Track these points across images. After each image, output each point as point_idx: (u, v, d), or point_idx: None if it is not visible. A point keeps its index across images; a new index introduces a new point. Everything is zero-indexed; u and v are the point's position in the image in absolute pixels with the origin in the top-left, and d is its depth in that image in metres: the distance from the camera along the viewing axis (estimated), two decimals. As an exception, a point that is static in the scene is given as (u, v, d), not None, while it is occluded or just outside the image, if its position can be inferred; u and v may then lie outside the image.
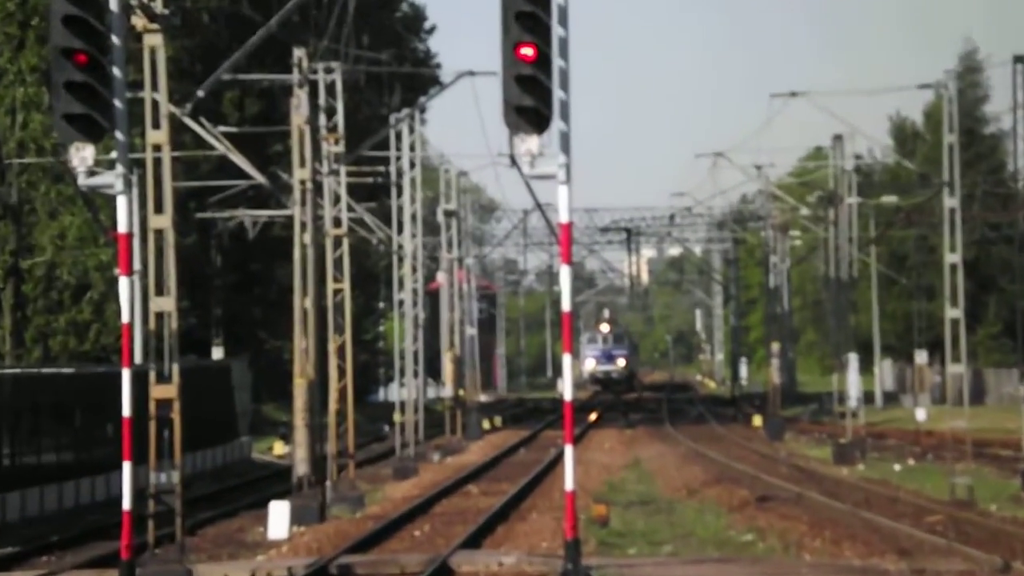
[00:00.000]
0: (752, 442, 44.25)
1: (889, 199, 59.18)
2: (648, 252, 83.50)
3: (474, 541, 20.76)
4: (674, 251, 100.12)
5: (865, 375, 54.91)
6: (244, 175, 29.82)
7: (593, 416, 58.08)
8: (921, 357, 61.53)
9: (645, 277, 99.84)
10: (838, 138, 40.24)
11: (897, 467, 34.08)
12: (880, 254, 66.64)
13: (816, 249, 61.66)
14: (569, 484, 15.44)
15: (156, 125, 17.79)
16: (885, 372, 67.56)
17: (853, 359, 39.92)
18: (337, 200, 30.57)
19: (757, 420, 51.95)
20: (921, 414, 45.63)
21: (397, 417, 38.37)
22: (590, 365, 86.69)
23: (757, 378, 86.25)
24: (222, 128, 28.75)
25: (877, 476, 31.46)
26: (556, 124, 15.18)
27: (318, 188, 26.19)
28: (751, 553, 19.75)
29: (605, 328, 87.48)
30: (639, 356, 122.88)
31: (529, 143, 15.07)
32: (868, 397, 54.13)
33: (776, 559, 18.89)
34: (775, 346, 50.86)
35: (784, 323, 60.53)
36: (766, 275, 58.57)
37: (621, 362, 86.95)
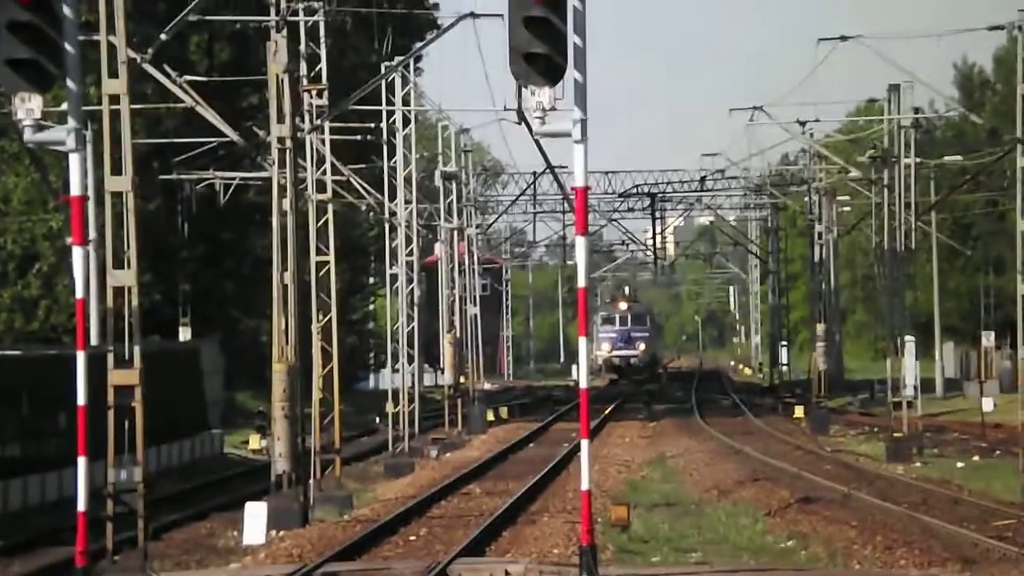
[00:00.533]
0: (793, 436, 44.34)
1: (953, 158, 59.03)
2: (675, 220, 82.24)
3: (476, 547, 20.84)
4: (704, 219, 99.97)
5: (924, 360, 54.85)
6: (214, 131, 29.76)
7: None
8: (988, 339, 61.50)
9: (671, 249, 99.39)
10: (894, 88, 40.09)
11: (960, 464, 34.13)
12: (942, 222, 66.60)
13: (868, 216, 61.54)
14: (585, 483, 15.47)
15: (113, 73, 17.77)
16: (947, 357, 67.57)
17: (910, 342, 39.91)
18: (321, 161, 30.57)
19: (799, 411, 52.03)
20: (988, 404, 45.63)
21: (389, 407, 38.47)
22: (605, 350, 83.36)
23: (799, 364, 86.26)
24: (188, 77, 28.70)
25: (937, 475, 31.53)
26: (570, 74, 15.15)
27: (299, 147, 26.16)
28: (792, 562, 19.81)
29: (623, 306, 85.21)
30: (663, 339, 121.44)
31: (540, 96, 15.03)
32: (927, 385, 54.14)
33: (821, 569, 18.94)
34: (820, 328, 50.88)
35: (831, 301, 60.50)
36: (810, 246, 58.48)
37: (641, 346, 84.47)
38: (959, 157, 58.53)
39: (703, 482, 30.70)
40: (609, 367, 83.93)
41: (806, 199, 59.73)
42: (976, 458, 35.76)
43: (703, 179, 69.01)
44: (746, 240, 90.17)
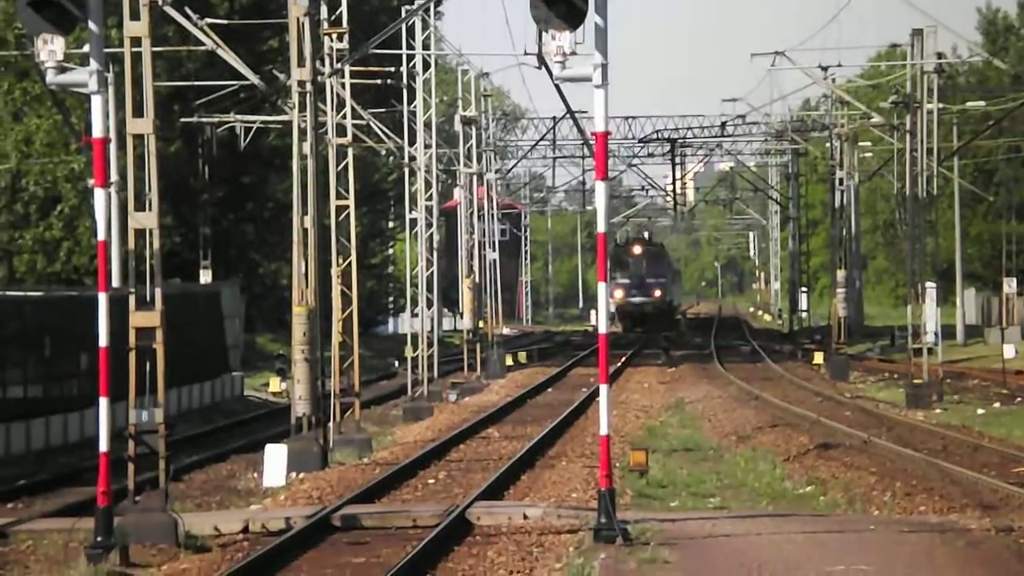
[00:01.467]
0: (812, 382, 44.34)
1: (976, 104, 58.54)
2: (695, 166, 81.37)
3: (495, 491, 20.93)
4: (725, 165, 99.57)
5: (945, 307, 54.65)
6: (235, 74, 29.73)
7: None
8: (1010, 286, 61.26)
9: (691, 195, 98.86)
10: (917, 33, 39.75)
11: (980, 411, 34.10)
12: (964, 168, 66.20)
13: (889, 162, 61.23)
14: (604, 428, 15.52)
15: (135, 15, 17.72)
16: (968, 303, 67.34)
17: (931, 288, 39.79)
18: (341, 105, 30.48)
19: (818, 358, 51.99)
20: (1009, 351, 45.51)
21: (408, 351, 38.57)
22: (617, 296, 76.60)
23: (819, 310, 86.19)
24: (209, 20, 28.61)
25: (957, 421, 31.51)
26: (591, 18, 15.05)
27: (319, 91, 26.10)
28: (811, 507, 19.86)
29: (636, 250, 78.59)
30: (681, 285, 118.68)
31: (560, 40, 14.95)
32: (948, 332, 54.06)
33: (840, 514, 18.99)
34: (840, 274, 50.73)
35: (851, 247, 60.26)
36: (831, 192, 58.23)
37: (657, 292, 78.38)
38: (982, 103, 58.06)
39: (722, 428, 30.76)
40: (622, 314, 77.77)
41: (827, 145, 59.40)
42: (997, 404, 35.72)
43: (724, 124, 68.61)
44: (766, 186, 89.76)
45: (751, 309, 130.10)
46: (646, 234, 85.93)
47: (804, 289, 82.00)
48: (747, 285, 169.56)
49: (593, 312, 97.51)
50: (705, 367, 51.84)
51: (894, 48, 62.15)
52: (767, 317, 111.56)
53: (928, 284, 39.38)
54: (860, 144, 60.54)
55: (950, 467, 22.75)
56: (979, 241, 74.25)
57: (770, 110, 64.32)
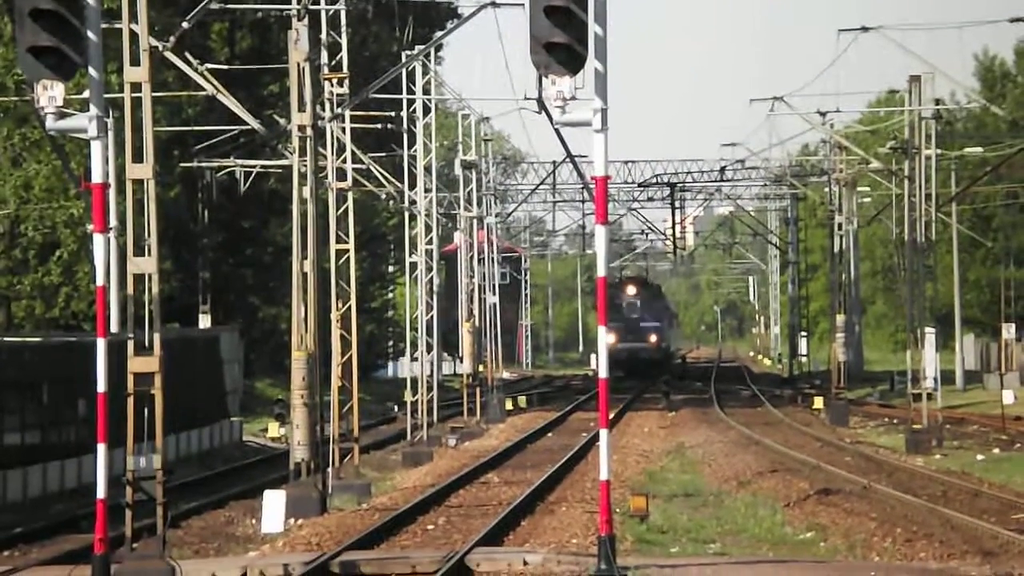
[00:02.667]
0: (812, 427, 44.24)
1: (974, 150, 58.72)
2: (694, 210, 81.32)
3: (495, 537, 20.83)
4: (724, 209, 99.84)
5: (944, 352, 54.56)
6: (235, 119, 29.81)
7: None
8: (1009, 331, 61.22)
9: (691, 239, 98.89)
10: (915, 79, 39.91)
11: (980, 457, 34.01)
12: (962, 213, 66.31)
13: (888, 207, 61.33)
14: (604, 473, 15.45)
15: (135, 61, 17.78)
16: (967, 348, 67.33)
17: (930, 334, 39.78)
18: (341, 149, 30.55)
19: (818, 402, 51.92)
20: (1008, 397, 45.42)
21: (408, 396, 38.49)
22: (609, 341, 76.93)
23: (819, 355, 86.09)
24: (210, 65, 28.72)
25: (956, 467, 31.42)
26: (591, 63, 15.10)
27: (319, 135, 26.16)
28: (811, 553, 19.75)
29: (630, 291, 72.96)
30: (679, 329, 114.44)
31: (560, 85, 14.99)
32: (947, 377, 53.95)
33: (840, 560, 18.89)
34: (840, 318, 50.75)
35: (850, 292, 60.28)
36: (830, 237, 58.29)
37: (652, 337, 73.15)
38: (980, 149, 58.24)
39: (722, 473, 30.64)
40: (613, 362, 77.88)
41: (826, 189, 59.50)
42: (996, 450, 35.63)
43: (723, 169, 68.79)
44: (766, 230, 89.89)
45: (751, 353, 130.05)
46: (642, 274, 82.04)
47: (804, 333, 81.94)
48: (747, 329, 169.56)
49: (593, 356, 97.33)
50: (705, 411, 51.72)
51: (892, 94, 62.48)
52: (767, 361, 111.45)
53: (927, 329, 39.36)
54: (859, 189, 60.68)
55: (950, 513, 22.64)
56: (978, 287, 74.29)
57: (769, 155, 64.48)
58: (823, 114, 47.66)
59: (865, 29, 37.64)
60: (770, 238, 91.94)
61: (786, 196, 78.32)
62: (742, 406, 54.95)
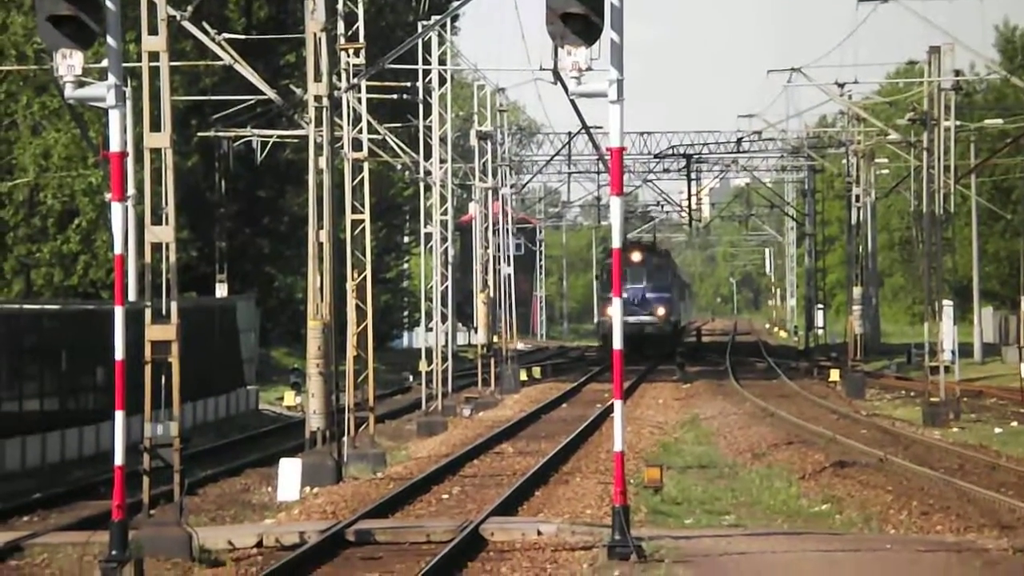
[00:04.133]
0: (828, 400, 44.24)
1: (993, 122, 58.42)
2: (710, 182, 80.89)
3: (509, 507, 20.92)
4: (741, 181, 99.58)
5: (962, 324, 54.49)
6: (252, 89, 29.82)
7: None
8: (1027, 304, 60.95)
9: (707, 211, 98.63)
10: (934, 50, 39.71)
11: (998, 430, 33.97)
12: (981, 186, 66.08)
13: (906, 179, 61.11)
14: (618, 444, 15.51)
15: (153, 30, 17.81)
16: (985, 321, 67.14)
17: (948, 306, 39.71)
18: (357, 119, 30.55)
19: (834, 375, 51.88)
20: (1026, 370, 45.25)
21: (423, 366, 38.60)
22: (611, 313, 64.14)
23: (835, 327, 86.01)
24: (227, 35, 28.72)
25: (974, 440, 31.41)
26: (607, 34, 15.08)
27: (335, 105, 26.17)
28: (826, 526, 19.80)
29: (636, 257, 64.14)
30: (692, 301, 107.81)
31: (576, 55, 14.98)
32: (965, 350, 53.88)
33: (856, 533, 18.93)
34: (857, 291, 50.64)
35: (868, 264, 60.14)
36: (847, 209, 58.16)
37: (660, 310, 65.00)
38: (999, 120, 57.94)
39: (737, 445, 30.69)
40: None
41: (844, 161, 59.35)
42: (1014, 424, 35.59)
43: (739, 140, 68.55)
44: (782, 202, 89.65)
45: (767, 325, 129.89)
46: (651, 238, 73.92)
47: (820, 306, 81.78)
48: (763, 301, 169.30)
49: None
50: (720, 383, 51.74)
51: (911, 65, 62.10)
52: (783, 334, 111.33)
53: (945, 302, 39.28)
54: (877, 161, 60.48)
55: (967, 486, 22.66)
56: (996, 259, 74.03)
57: (786, 126, 64.36)
58: (841, 85, 47.45)
59: (884, 0, 37.46)
60: (787, 210, 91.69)
61: (803, 168, 78.09)
62: (757, 378, 54.93)
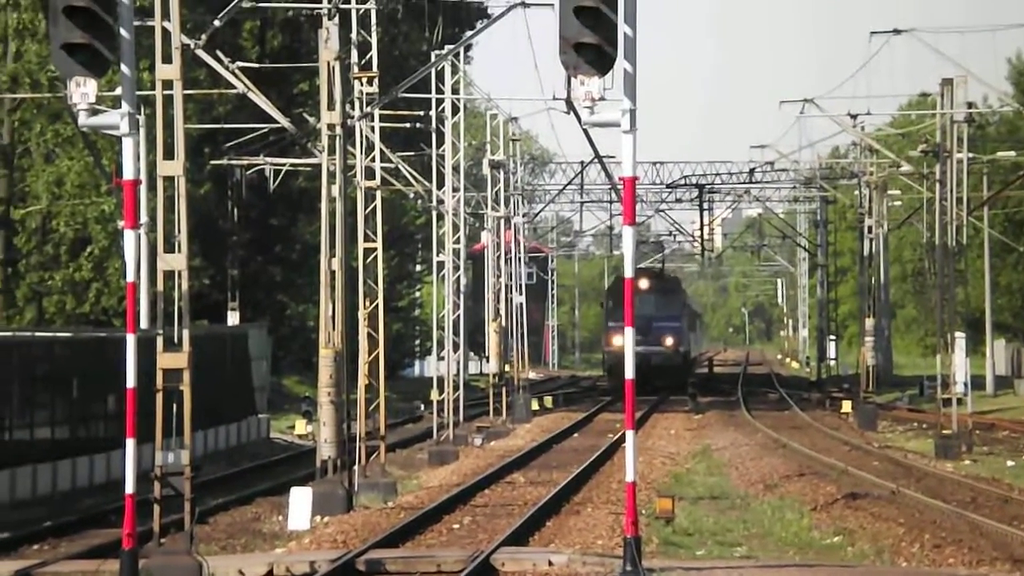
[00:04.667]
0: (840, 431, 44.07)
1: (1006, 154, 58.34)
2: (723, 212, 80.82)
3: (520, 537, 20.85)
4: (753, 211, 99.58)
5: (974, 357, 54.28)
6: (265, 117, 29.90)
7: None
8: (1039, 337, 60.73)
9: (719, 241, 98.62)
10: (947, 83, 39.75)
11: (1010, 463, 33.82)
12: (994, 218, 65.98)
13: (918, 211, 61.06)
14: (630, 475, 15.45)
15: (167, 58, 17.87)
16: (998, 353, 66.94)
17: (960, 338, 39.59)
18: (370, 148, 30.62)
19: (846, 406, 51.72)
20: (1038, 403, 45.10)
21: (435, 395, 38.56)
22: (616, 344, 58.57)
23: (847, 359, 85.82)
24: (240, 63, 28.82)
25: (986, 473, 31.26)
26: (620, 64, 15.10)
27: (348, 134, 26.24)
28: (838, 558, 19.69)
29: (643, 284, 61.34)
30: (703, 331, 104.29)
31: (589, 86, 15.00)
32: (977, 382, 53.68)
33: (868, 565, 18.83)
34: (869, 322, 50.55)
35: (880, 296, 60.00)
36: (860, 240, 58.08)
37: (668, 340, 62.31)
38: (1012, 153, 57.87)
39: (749, 476, 30.58)
40: (620, 369, 57.47)
41: (856, 192, 59.30)
42: (1026, 456, 35.42)
43: (752, 171, 68.56)
44: (795, 233, 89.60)
45: (779, 356, 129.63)
46: (657, 266, 70.77)
47: (832, 337, 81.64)
48: (775, 332, 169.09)
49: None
50: (732, 414, 51.60)
51: (924, 97, 62.16)
52: (795, 364, 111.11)
53: (957, 334, 39.18)
54: (889, 192, 60.43)
55: (980, 519, 22.53)
56: (1009, 291, 73.84)
57: (799, 157, 64.24)
58: (854, 116, 47.48)
59: (897, 32, 37.55)
60: (799, 241, 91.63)
61: (816, 199, 78.06)
62: (769, 408, 54.76)
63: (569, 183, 70.20)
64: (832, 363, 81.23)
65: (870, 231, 51.95)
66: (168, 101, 17.78)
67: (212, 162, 46.29)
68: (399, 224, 64.51)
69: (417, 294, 77.89)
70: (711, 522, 22.86)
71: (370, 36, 28.82)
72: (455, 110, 41.47)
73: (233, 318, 47.65)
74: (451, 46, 39.17)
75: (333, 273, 24.93)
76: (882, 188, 53.50)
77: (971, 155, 41.40)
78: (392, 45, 53.44)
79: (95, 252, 42.77)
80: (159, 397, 17.26)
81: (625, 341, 16.19)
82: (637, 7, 14.95)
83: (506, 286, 49.73)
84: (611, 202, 71.94)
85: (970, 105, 40.39)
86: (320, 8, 25.34)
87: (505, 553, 18.60)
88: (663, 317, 62.80)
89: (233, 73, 26.56)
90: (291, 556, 19.26)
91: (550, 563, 18.03)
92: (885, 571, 17.99)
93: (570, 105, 15.24)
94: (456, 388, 39.17)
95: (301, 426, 43.23)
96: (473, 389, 57.13)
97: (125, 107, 15.71)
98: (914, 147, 49.96)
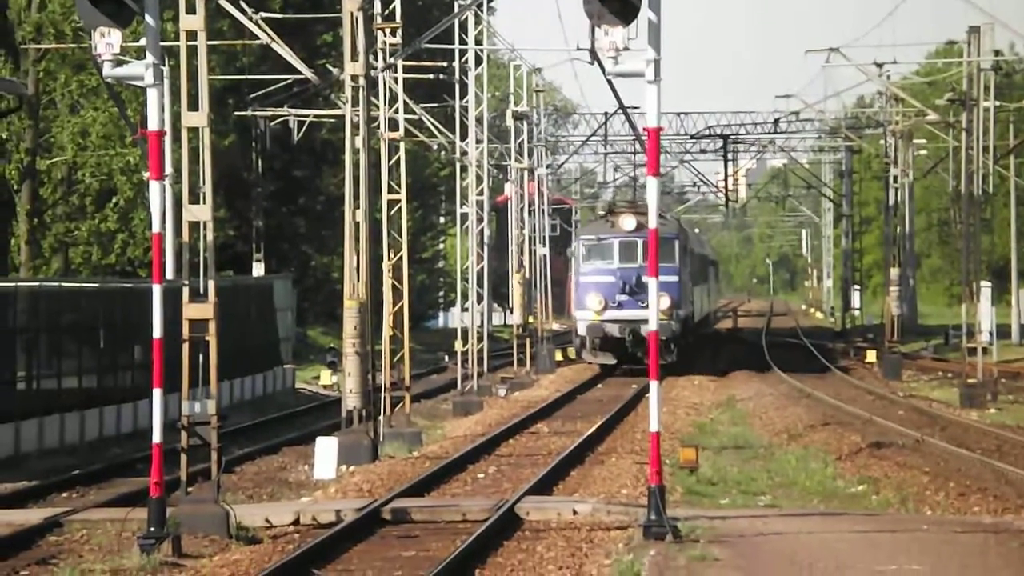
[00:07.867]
0: (865, 381, 44.02)
1: (1033, 102, 57.73)
2: (747, 163, 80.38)
3: (544, 486, 20.93)
4: (778, 162, 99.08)
5: (999, 306, 54.03)
6: (289, 68, 29.84)
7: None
8: (1066, 286, 60.45)
9: (743, 192, 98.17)
10: (974, 30, 39.38)
11: (1034, 412, 33.73)
12: (1020, 166, 65.49)
13: (944, 160, 60.66)
14: (654, 424, 15.48)
15: (191, 9, 17.83)
16: (1023, 302, 66.68)
17: (986, 287, 39.41)
18: (393, 99, 30.55)
19: (871, 356, 51.62)
20: (1063, 352, 44.94)
21: (459, 346, 38.64)
22: (591, 307, 42.66)
23: (872, 309, 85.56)
24: (264, 14, 28.75)
25: (1011, 421, 31.21)
26: (644, 13, 15.00)
27: (372, 85, 26.16)
28: (863, 506, 19.73)
29: (628, 224, 43.06)
30: (716, 283, 77.38)
31: (613, 35, 14.91)
32: (1002, 331, 53.48)
33: (892, 514, 18.85)
34: (894, 272, 50.34)
35: (905, 245, 59.75)
36: (885, 190, 57.76)
37: (663, 302, 40.60)
38: (1040, 100, 57.28)
39: (772, 425, 30.59)
40: (601, 341, 42.91)
41: (882, 142, 58.93)
42: (1051, 405, 35.34)
43: (777, 121, 68.17)
44: (819, 183, 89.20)
45: (803, 306, 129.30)
46: (641, 201, 44.75)
47: (857, 287, 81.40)
48: (799, 282, 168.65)
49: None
50: (756, 366, 51.52)
51: (950, 45, 61.54)
52: (819, 315, 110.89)
53: (983, 283, 38.99)
54: (915, 141, 60.02)
55: (1004, 467, 22.52)
56: (1035, 240, 73.35)
57: (824, 107, 63.76)
58: (879, 65, 47.10)
59: (924, -21, 37.07)
60: (824, 191, 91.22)
61: (841, 148, 77.60)
62: (794, 358, 54.69)
63: (593, 134, 69.90)
64: (856, 313, 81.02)
65: (895, 180, 51.62)
66: (192, 52, 17.75)
67: (236, 113, 46.26)
68: (423, 176, 64.46)
69: (441, 246, 77.91)
70: (735, 471, 22.90)
71: (393, -14, 28.68)
72: (478, 61, 41.29)
73: (258, 269, 47.77)
74: (474, -4, 38.91)
75: (357, 225, 24.94)
76: (908, 137, 53.13)
77: (998, 103, 41.03)
78: (415, -5, 53.20)
79: (120, 203, 42.87)
80: (185, 347, 17.34)
81: (650, 291, 16.13)
82: (662, -45, 14.82)
83: (529, 238, 49.65)
84: (635, 153, 71.62)
85: (997, 53, 40.02)
86: (343, -42, 25.19)
87: (530, 502, 18.68)
88: (661, 271, 46.05)
89: (256, 24, 26.48)
90: (317, 505, 19.39)
91: (575, 512, 18.10)
92: (909, 519, 18.01)
93: (594, 55, 15.16)
94: (480, 339, 39.19)
95: (326, 376, 43.41)
96: (497, 340, 57.22)
97: (149, 58, 15.70)
98: (940, 95, 49.56)
